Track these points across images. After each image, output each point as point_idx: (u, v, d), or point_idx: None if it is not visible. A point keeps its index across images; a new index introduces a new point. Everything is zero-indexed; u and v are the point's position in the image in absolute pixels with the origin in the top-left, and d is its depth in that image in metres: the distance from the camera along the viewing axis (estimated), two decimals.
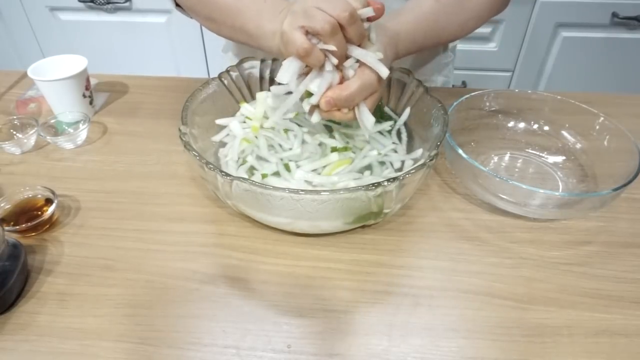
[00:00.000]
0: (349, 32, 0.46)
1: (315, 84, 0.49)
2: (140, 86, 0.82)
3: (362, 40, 0.49)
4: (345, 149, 0.55)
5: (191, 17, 0.68)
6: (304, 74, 0.50)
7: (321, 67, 0.48)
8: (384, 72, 0.48)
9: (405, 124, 0.62)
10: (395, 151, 0.58)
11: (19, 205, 0.55)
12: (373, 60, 0.48)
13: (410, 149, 0.60)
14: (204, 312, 0.46)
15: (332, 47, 0.46)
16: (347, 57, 0.49)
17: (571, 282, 0.48)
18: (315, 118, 0.51)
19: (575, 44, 1.40)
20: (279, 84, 0.50)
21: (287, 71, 0.49)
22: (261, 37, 0.56)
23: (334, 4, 0.45)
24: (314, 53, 0.46)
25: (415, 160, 0.56)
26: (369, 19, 0.48)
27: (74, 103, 0.71)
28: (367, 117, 0.50)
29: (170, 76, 0.85)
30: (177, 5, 0.68)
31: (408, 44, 0.59)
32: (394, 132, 0.61)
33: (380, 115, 0.62)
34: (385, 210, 0.49)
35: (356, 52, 0.48)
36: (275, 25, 0.53)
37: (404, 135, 0.61)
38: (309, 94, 0.50)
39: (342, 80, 0.49)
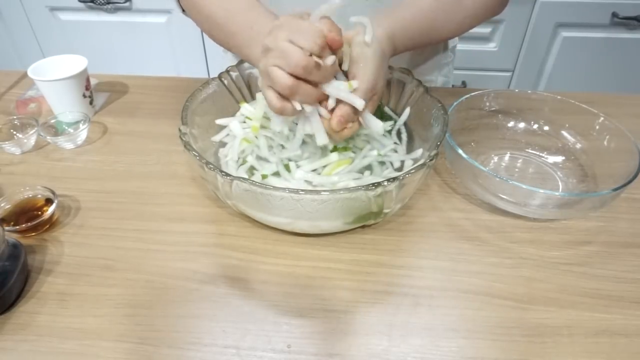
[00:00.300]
0: (314, 79, 0.46)
1: (309, 128, 0.50)
2: (140, 86, 0.82)
3: (334, 74, 0.48)
4: (345, 149, 0.55)
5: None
6: None
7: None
8: (359, 104, 0.48)
9: (405, 124, 0.62)
10: (395, 151, 0.58)
11: (19, 205, 0.55)
12: (346, 95, 0.48)
13: (410, 149, 0.60)
14: (204, 312, 0.46)
15: (298, 107, 0.47)
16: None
17: (571, 282, 0.49)
18: (331, 143, 0.53)
19: (575, 44, 1.40)
20: None
21: (277, 122, 0.51)
22: (253, 62, 0.57)
23: (289, 58, 0.44)
24: (286, 109, 0.47)
25: (415, 160, 0.56)
26: (332, 51, 0.47)
27: (74, 103, 0.71)
28: (374, 123, 0.51)
29: (170, 76, 0.85)
30: (184, 10, 0.68)
31: (405, 40, 0.59)
32: (394, 132, 0.61)
33: (380, 115, 0.62)
34: (385, 210, 0.49)
35: (329, 89, 0.48)
36: None
37: (404, 136, 0.61)
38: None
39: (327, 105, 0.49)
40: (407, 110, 0.61)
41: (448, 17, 0.62)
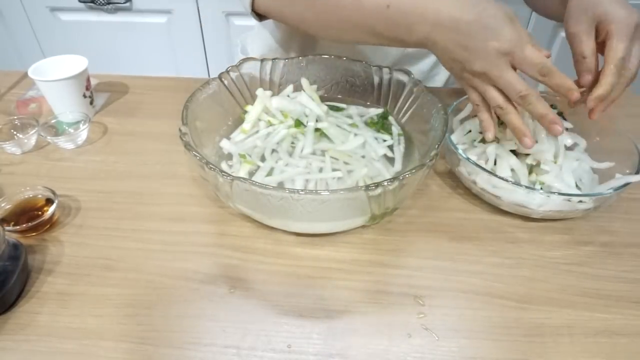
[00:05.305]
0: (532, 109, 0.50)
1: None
2: (140, 86, 0.82)
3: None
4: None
5: (263, 19, 0.66)
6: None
7: None
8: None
9: (403, 128, 0.62)
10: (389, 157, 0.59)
11: (19, 206, 0.55)
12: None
13: (409, 150, 0.60)
14: (204, 312, 0.46)
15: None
16: None
17: (571, 282, 0.49)
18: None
19: None
20: None
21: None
22: (399, 43, 0.53)
23: (512, 87, 0.49)
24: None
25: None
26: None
27: (74, 103, 0.71)
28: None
29: (170, 76, 0.85)
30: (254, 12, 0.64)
31: None
32: (396, 148, 0.61)
33: (381, 126, 0.63)
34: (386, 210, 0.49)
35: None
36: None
37: (402, 147, 0.61)
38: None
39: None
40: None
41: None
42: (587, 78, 0.51)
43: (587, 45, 0.51)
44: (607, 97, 0.50)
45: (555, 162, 0.56)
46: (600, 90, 0.50)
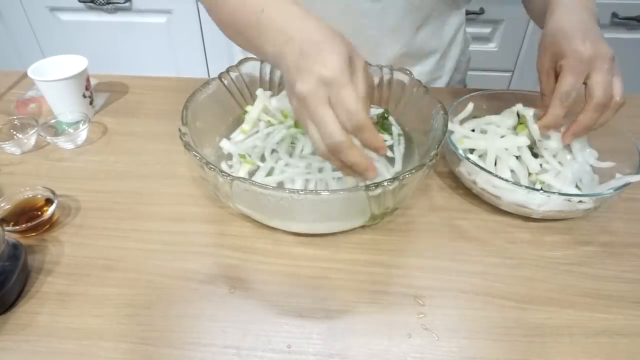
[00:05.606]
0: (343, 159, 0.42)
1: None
2: (140, 86, 0.82)
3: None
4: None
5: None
6: None
7: None
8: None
9: (403, 128, 0.62)
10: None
11: (19, 206, 0.55)
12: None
13: (409, 150, 0.60)
14: (204, 312, 0.46)
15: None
16: None
17: (571, 282, 0.49)
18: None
19: None
20: None
21: None
22: (266, 59, 0.49)
23: (324, 130, 0.40)
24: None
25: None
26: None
27: (74, 103, 0.71)
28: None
29: (170, 76, 0.85)
30: None
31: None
32: (396, 148, 0.60)
33: (381, 126, 0.63)
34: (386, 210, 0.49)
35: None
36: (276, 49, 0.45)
37: (402, 147, 0.61)
38: None
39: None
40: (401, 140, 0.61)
41: None
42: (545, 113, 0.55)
43: (546, 85, 0.56)
44: (584, 124, 0.53)
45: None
46: (545, 120, 0.55)
